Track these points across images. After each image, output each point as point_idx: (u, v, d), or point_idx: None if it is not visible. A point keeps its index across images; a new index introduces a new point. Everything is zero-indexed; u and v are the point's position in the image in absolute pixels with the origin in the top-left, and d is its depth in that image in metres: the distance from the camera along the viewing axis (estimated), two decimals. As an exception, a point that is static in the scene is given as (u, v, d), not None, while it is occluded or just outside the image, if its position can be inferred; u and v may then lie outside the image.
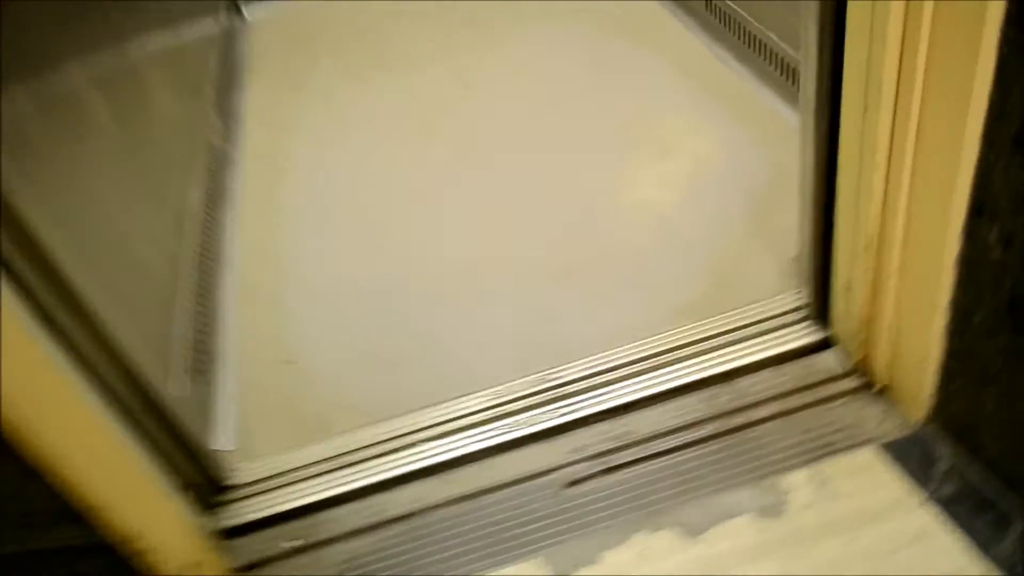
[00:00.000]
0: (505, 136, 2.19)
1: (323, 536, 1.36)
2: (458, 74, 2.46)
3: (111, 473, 1.08)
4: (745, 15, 2.10)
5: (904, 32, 0.97)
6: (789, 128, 1.87)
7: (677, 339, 1.47)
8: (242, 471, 1.46)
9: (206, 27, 2.82)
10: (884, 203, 1.14)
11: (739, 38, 2.16)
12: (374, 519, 1.36)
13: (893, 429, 1.28)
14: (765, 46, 2.04)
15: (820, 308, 1.42)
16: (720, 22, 2.25)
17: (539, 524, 1.28)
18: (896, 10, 0.95)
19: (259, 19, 3.08)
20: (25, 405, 0.93)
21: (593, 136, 2.10)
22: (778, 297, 1.49)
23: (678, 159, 1.96)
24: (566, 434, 1.40)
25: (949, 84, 0.95)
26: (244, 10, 3.11)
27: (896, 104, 1.04)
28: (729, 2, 2.17)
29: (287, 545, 1.36)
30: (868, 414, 1.31)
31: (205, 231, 1.99)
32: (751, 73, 2.13)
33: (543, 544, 1.25)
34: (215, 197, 2.16)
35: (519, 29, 2.59)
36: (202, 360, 1.67)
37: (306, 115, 2.48)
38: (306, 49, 2.86)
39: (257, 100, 2.63)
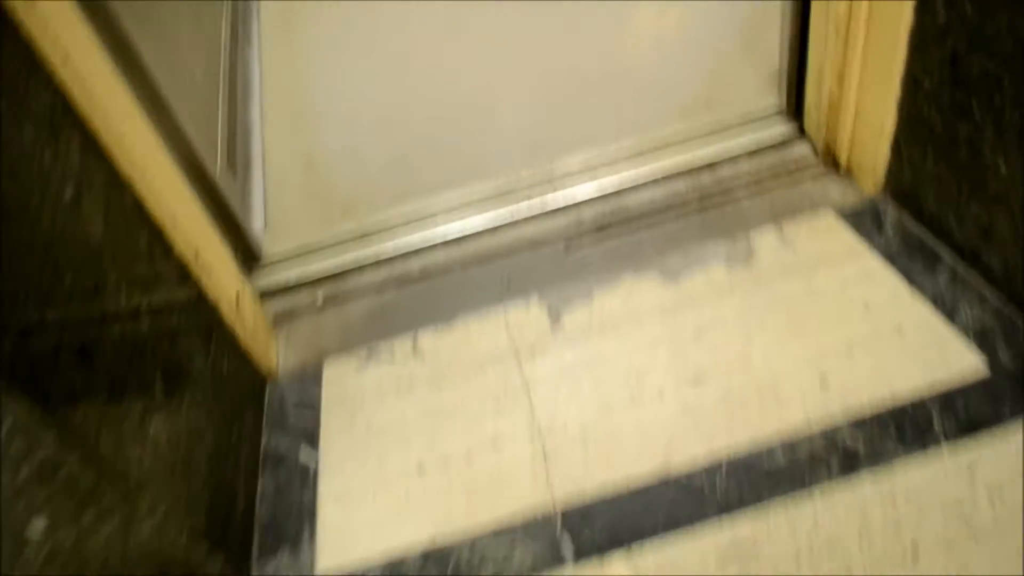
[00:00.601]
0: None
1: (349, 292, 1.54)
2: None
3: (174, 197, 1.25)
4: None
5: None
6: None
7: (667, 135, 1.64)
8: (275, 246, 1.64)
9: None
10: (850, -15, 1.30)
11: None
12: (395, 277, 1.54)
13: (850, 199, 1.47)
14: None
15: (795, 108, 1.59)
16: None
17: (541, 276, 1.47)
18: None
19: None
20: (120, 139, 1.11)
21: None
22: (759, 100, 1.66)
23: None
24: (567, 211, 1.58)
25: None
26: None
27: None
28: None
29: (317, 299, 1.55)
30: (830, 188, 1.49)
31: (233, 61, 2.13)
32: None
33: (543, 289, 1.44)
34: (240, 37, 2.30)
35: None
36: (237, 162, 1.84)
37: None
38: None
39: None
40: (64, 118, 1.02)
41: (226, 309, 1.33)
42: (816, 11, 1.39)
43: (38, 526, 0.97)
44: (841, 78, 1.41)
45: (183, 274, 1.26)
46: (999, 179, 1.18)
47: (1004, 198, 1.19)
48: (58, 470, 0.90)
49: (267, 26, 2.39)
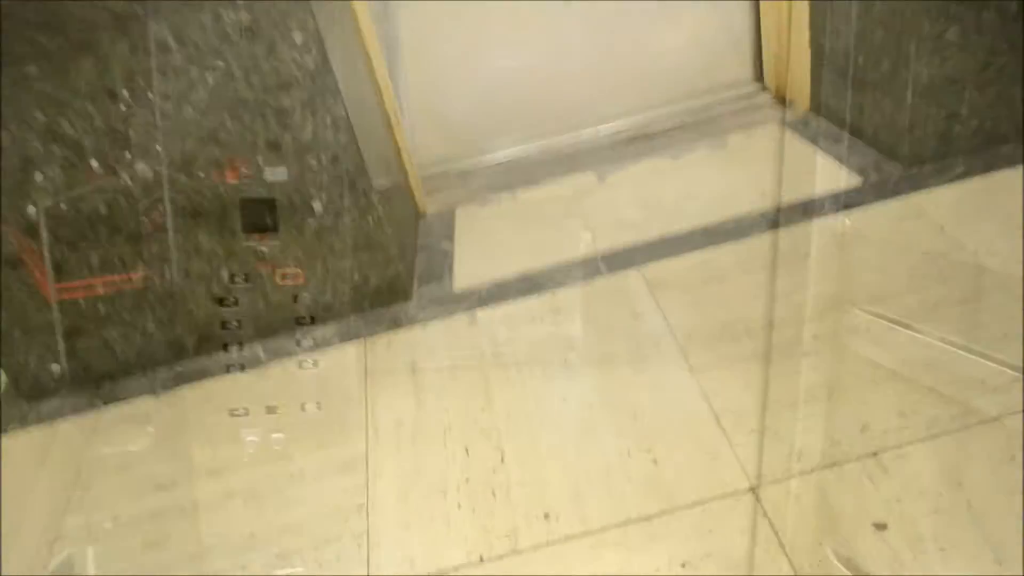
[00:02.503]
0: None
1: (471, 175, 2.44)
2: None
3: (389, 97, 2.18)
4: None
5: None
6: None
7: (679, 94, 2.54)
8: (425, 158, 2.56)
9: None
10: (780, -19, 2.22)
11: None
12: (502, 166, 2.44)
13: (791, 117, 2.32)
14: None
15: (759, 74, 2.48)
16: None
17: (594, 162, 2.34)
18: None
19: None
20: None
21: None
22: (739, 74, 2.55)
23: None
24: (613, 133, 2.46)
25: None
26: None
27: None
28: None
29: (450, 180, 2.44)
30: (779, 113, 2.35)
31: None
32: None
33: (595, 167, 2.31)
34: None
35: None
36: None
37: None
38: None
39: None
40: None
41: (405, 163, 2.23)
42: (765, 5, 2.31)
43: (318, 206, 1.85)
44: (780, 35, 2.29)
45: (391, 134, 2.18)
46: (858, 68, 2.02)
47: (864, 82, 2.02)
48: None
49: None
